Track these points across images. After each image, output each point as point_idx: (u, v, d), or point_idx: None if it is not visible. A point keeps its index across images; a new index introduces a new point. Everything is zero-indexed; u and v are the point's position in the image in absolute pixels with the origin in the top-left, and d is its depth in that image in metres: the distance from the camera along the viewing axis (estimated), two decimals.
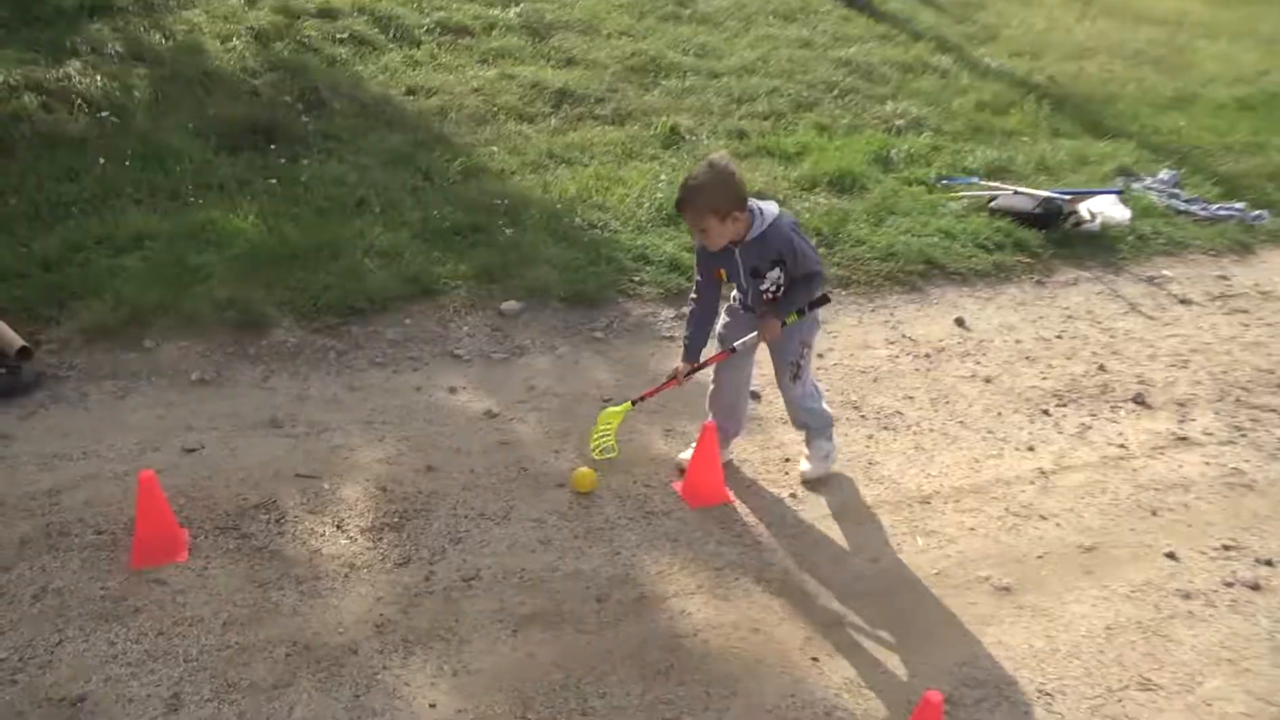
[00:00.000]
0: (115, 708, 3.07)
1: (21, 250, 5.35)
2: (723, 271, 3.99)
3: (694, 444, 4.14)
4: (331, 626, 3.39)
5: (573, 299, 5.52)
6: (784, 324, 3.98)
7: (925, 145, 8.15)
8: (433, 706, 3.12)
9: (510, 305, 5.41)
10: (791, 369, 4.16)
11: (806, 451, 4.38)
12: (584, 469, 4.15)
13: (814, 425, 4.33)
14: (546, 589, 3.60)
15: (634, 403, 4.27)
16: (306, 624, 3.40)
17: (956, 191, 7.40)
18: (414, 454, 4.28)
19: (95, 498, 3.93)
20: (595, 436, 4.21)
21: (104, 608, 3.43)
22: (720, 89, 8.68)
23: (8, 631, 3.31)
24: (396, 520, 3.89)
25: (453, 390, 4.77)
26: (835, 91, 9.02)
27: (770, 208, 3.91)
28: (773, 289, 3.97)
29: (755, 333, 4.03)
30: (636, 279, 5.72)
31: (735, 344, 4.08)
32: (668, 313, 5.52)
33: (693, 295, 4.13)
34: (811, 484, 4.31)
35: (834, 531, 4.05)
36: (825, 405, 4.37)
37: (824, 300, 4.08)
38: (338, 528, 3.84)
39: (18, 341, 4.67)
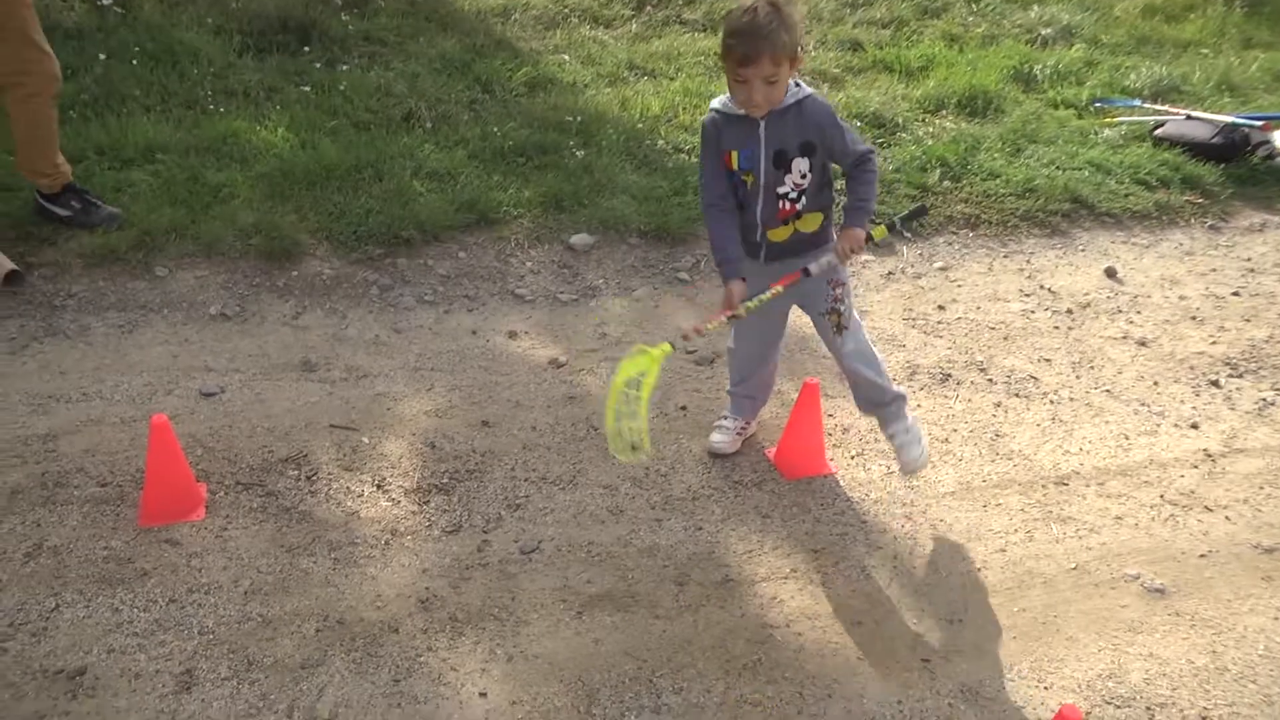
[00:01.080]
0: (119, 683, 3.17)
1: (8, 158, 5.39)
2: (735, 156, 3.67)
3: (724, 420, 4.18)
4: (369, 600, 3.48)
5: (653, 234, 5.57)
6: (871, 239, 3.75)
7: (1077, 60, 8.04)
8: (483, 695, 3.19)
9: (581, 239, 5.48)
10: (832, 320, 3.93)
11: (892, 444, 4.08)
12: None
13: (882, 401, 4.03)
14: (617, 566, 3.67)
15: (675, 346, 3.72)
16: (340, 596, 3.49)
17: (1114, 116, 7.28)
18: (468, 407, 4.37)
19: (97, 445, 4.05)
20: (614, 420, 3.53)
21: (107, 570, 3.54)
22: None
23: None
24: (446, 482, 3.98)
25: (513, 335, 4.85)
26: None
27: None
28: (793, 194, 3.68)
29: (831, 252, 3.74)
30: None
31: (811, 266, 3.75)
32: None
33: (706, 198, 3.81)
34: (915, 472, 4.10)
35: (953, 513, 4.05)
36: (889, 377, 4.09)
37: (923, 211, 4.02)
38: (378, 488, 3.94)
39: (6, 264, 4.81)
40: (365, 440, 4.16)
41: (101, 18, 6.74)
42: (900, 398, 4.03)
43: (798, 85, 3.58)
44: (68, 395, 4.31)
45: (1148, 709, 3.33)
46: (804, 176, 3.65)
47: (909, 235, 5.88)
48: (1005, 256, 5.86)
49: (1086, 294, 5.58)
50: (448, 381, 4.49)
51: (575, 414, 4.38)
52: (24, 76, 4.90)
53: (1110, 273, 5.79)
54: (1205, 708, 3.36)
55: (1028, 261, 5.84)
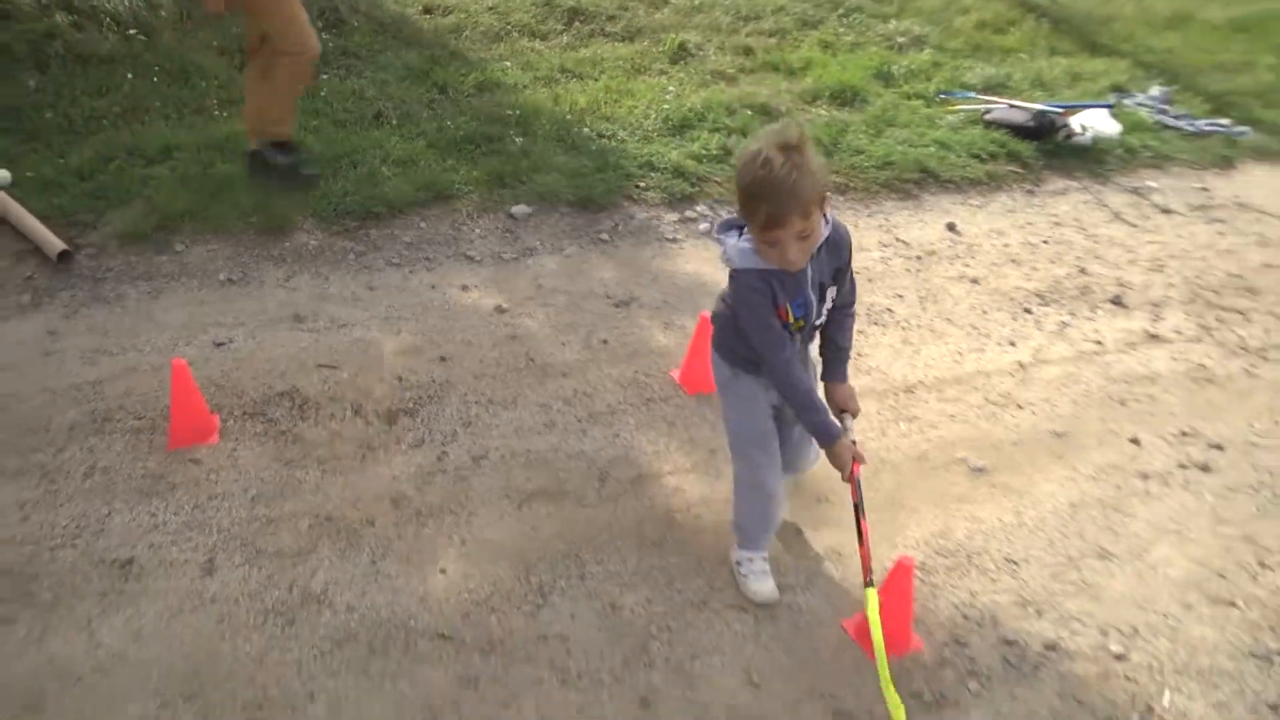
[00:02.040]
0: (158, 570, 3.22)
1: (59, 161, 5.40)
2: (788, 309, 2.79)
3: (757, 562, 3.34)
4: (350, 501, 3.51)
5: (580, 203, 5.54)
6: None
7: (926, 62, 8.06)
8: (443, 572, 3.24)
9: (520, 209, 5.43)
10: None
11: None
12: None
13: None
14: (550, 468, 3.70)
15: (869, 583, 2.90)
16: (327, 499, 3.52)
17: (954, 105, 7.33)
18: (428, 346, 4.36)
19: (134, 388, 4.03)
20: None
21: (145, 484, 3.56)
22: (728, 7, 8.57)
23: (65, 503, 3.46)
24: (411, 406, 3.98)
25: (465, 288, 4.82)
26: (840, 10, 8.89)
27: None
28: (821, 322, 2.95)
29: (845, 411, 3.05)
30: (642, 184, 5.73)
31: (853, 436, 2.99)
32: (671, 216, 5.54)
33: (785, 363, 2.83)
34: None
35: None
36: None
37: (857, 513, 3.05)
38: (356, 413, 3.94)
39: (59, 244, 4.77)
40: (345, 375, 4.14)
41: (129, 45, 6.59)
42: None
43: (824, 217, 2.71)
44: (109, 350, 4.27)
45: (968, 556, 3.46)
46: (832, 302, 2.92)
47: None
48: (868, 215, 5.91)
49: (932, 244, 5.64)
50: (412, 327, 4.48)
51: (516, 350, 4.37)
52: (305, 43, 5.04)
53: (951, 227, 5.86)
54: (1009, 552, 3.50)
55: (886, 219, 5.89)
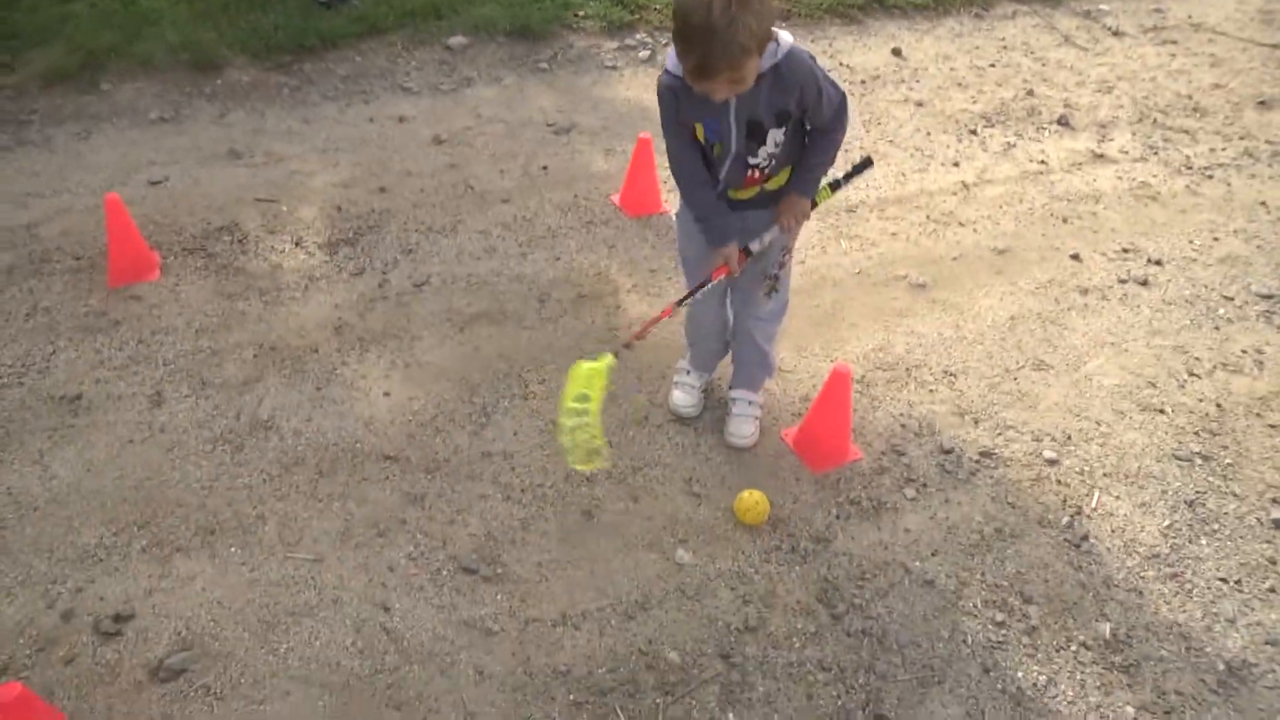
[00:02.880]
0: (107, 404, 3.18)
1: None
2: (699, 128, 2.58)
3: (685, 376, 3.27)
4: (294, 330, 3.45)
5: (518, 33, 5.34)
6: (815, 204, 2.77)
7: None
8: (387, 395, 3.22)
9: (457, 40, 5.23)
10: (767, 284, 2.90)
11: (729, 407, 3.18)
12: (749, 495, 2.90)
13: (755, 364, 3.14)
14: (491, 291, 3.65)
15: (619, 353, 2.79)
16: (271, 329, 3.46)
17: None
18: (367, 177, 4.24)
19: (70, 228, 3.91)
20: (569, 427, 2.57)
21: (88, 322, 3.49)
22: None
23: (8, 344, 3.39)
24: (351, 236, 3.90)
25: (402, 119, 4.67)
26: None
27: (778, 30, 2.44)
28: (765, 164, 2.62)
29: (775, 225, 2.76)
30: (580, 14, 5.50)
31: (753, 244, 2.75)
32: (610, 44, 5.36)
33: (678, 171, 2.70)
34: (735, 447, 3.15)
35: None
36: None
37: (867, 164, 2.88)
38: (296, 245, 3.85)
39: None
40: (284, 209, 4.03)
41: None
42: (769, 372, 3.19)
43: (781, 33, 2.43)
44: (41, 192, 4.12)
45: (907, 370, 3.46)
46: (778, 145, 2.59)
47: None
48: (812, 41, 5.73)
49: (877, 69, 5.50)
50: (350, 159, 4.34)
51: (455, 178, 4.26)
52: None
53: (896, 52, 5.70)
54: (947, 365, 3.50)
55: (830, 45, 5.72)
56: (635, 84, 5.02)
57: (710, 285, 2.77)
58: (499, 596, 2.65)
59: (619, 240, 3.95)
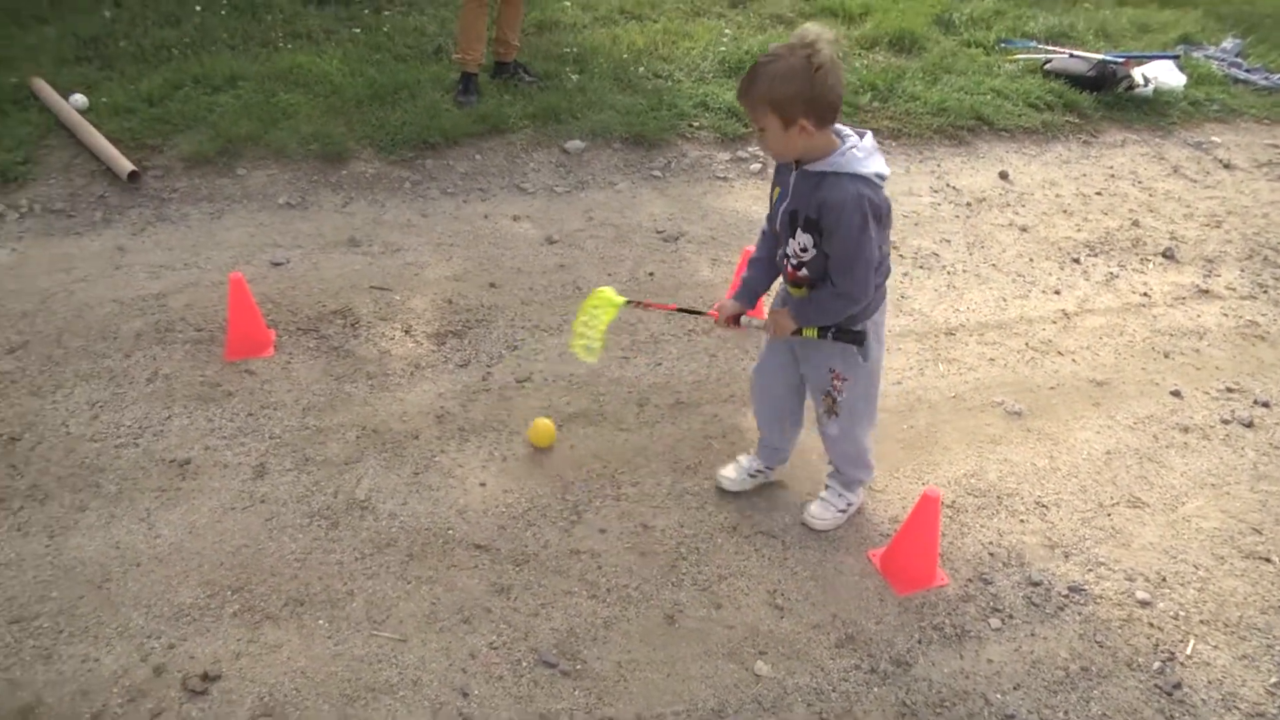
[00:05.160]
0: (214, 470, 3.34)
1: (131, 88, 5.54)
2: (774, 192, 2.81)
3: (742, 457, 3.41)
4: (397, 415, 3.59)
5: (633, 140, 5.52)
6: (799, 332, 2.86)
7: (987, 10, 7.87)
8: (483, 485, 3.31)
9: (575, 144, 5.43)
10: (825, 401, 3.03)
11: (823, 490, 3.30)
12: (543, 420, 3.48)
13: (845, 470, 3.23)
14: (591, 391, 3.75)
15: (629, 303, 3.13)
16: (375, 412, 3.60)
17: (1014, 54, 7.18)
18: (478, 272, 4.41)
19: (195, 301, 4.14)
20: (580, 325, 3.09)
21: (203, 391, 3.67)
22: None
23: (129, 406, 3.59)
24: (460, 328, 4.05)
25: (516, 219, 4.86)
26: None
27: (862, 152, 2.57)
28: (794, 261, 2.75)
29: (766, 318, 2.94)
30: (695, 124, 5.69)
31: (743, 317, 2.97)
32: (723, 155, 5.51)
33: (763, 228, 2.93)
34: (811, 527, 3.26)
35: None
36: (871, 459, 3.21)
37: (856, 337, 2.83)
38: (406, 333, 4.01)
39: (128, 165, 4.89)
40: (397, 298, 4.21)
41: None
42: (858, 483, 3.26)
43: (848, 150, 2.57)
44: (173, 265, 4.39)
45: (998, 498, 3.45)
46: (804, 250, 2.69)
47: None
48: (920, 161, 5.84)
49: (983, 191, 5.56)
50: (464, 254, 4.53)
51: (564, 279, 4.41)
52: None
53: (1003, 175, 5.76)
54: (1040, 496, 3.47)
55: (938, 165, 5.81)
56: (745, 195, 5.15)
57: (704, 316, 3.12)
58: (576, 692, 2.68)
59: (720, 350, 4.03)
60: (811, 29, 2.50)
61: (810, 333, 2.84)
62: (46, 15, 6.20)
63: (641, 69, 6.18)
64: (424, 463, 3.39)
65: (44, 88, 5.46)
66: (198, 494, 3.25)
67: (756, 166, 5.42)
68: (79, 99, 5.38)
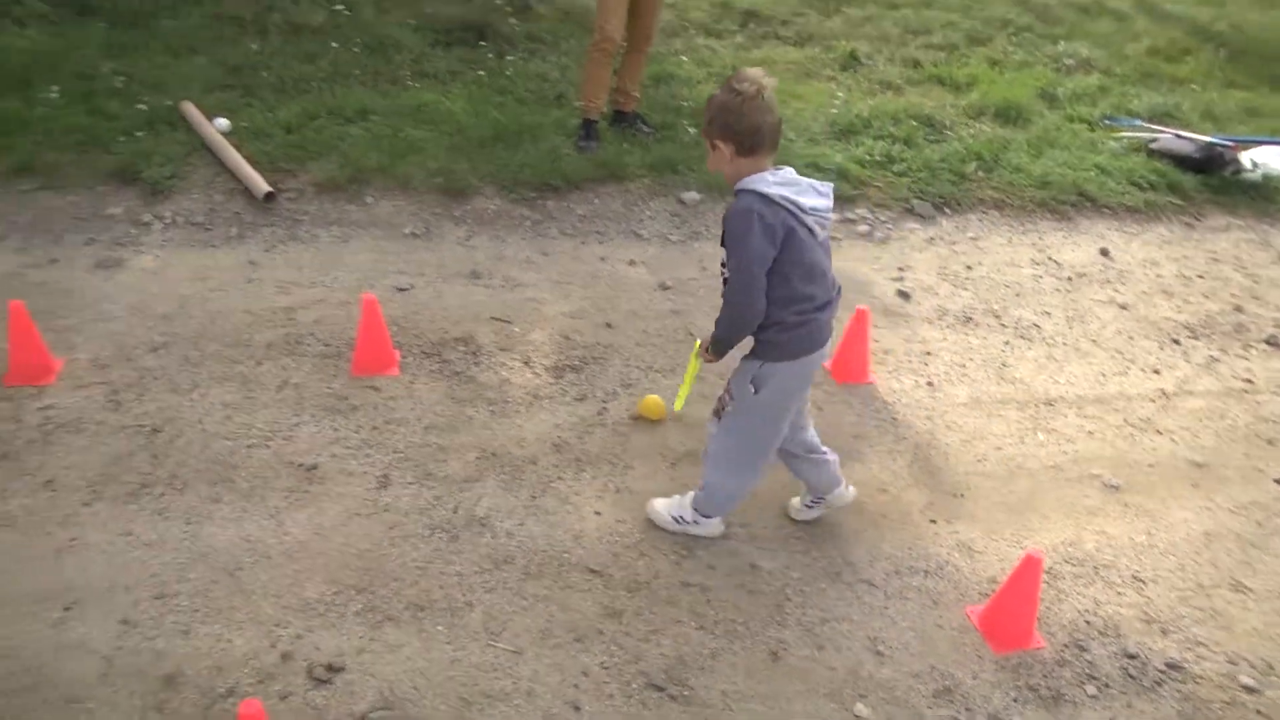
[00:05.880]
0: (339, 477, 3.54)
1: (270, 115, 5.88)
2: None
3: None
4: (515, 441, 3.77)
5: None
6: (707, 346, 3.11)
7: (1092, 86, 7.92)
8: (598, 514, 3.47)
9: (690, 195, 5.60)
10: (718, 403, 3.24)
11: (686, 494, 3.41)
12: (653, 396, 3.90)
13: (707, 486, 3.30)
14: (702, 434, 3.84)
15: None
16: (494, 436, 3.78)
17: (1118, 132, 7.23)
18: (595, 312, 4.59)
19: (323, 318, 4.38)
20: (686, 385, 3.31)
21: (330, 403, 3.90)
22: (898, 20, 8.61)
23: (260, 410, 3.83)
24: (577, 363, 4.23)
25: (632, 263, 5.05)
26: (1009, 29, 8.82)
27: (773, 177, 2.82)
28: (724, 277, 2.96)
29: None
30: None
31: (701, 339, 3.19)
32: (832, 215, 5.65)
33: None
34: (650, 518, 3.45)
35: (964, 419, 4.20)
36: (730, 502, 3.33)
37: (716, 346, 3.09)
38: (525, 364, 4.20)
39: (265, 187, 5.19)
40: (516, 330, 4.41)
41: (335, 19, 7.09)
42: (709, 515, 3.37)
43: (759, 175, 2.83)
44: (301, 283, 4.64)
45: (1094, 568, 3.51)
46: (723, 266, 2.94)
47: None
48: (1022, 233, 5.91)
49: (1084, 267, 5.62)
50: (581, 293, 4.71)
51: (676, 324, 4.57)
52: (649, 40, 5.78)
53: (1104, 252, 5.82)
54: (1137, 570, 3.53)
55: (1040, 238, 5.88)
56: (851, 255, 5.29)
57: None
58: (683, 717, 2.80)
59: (826, 404, 4.16)
60: (749, 70, 2.82)
61: (697, 346, 3.15)
62: (198, 46, 6.60)
63: None
64: (541, 488, 3.56)
65: (192, 111, 5.82)
66: (324, 498, 3.46)
67: (864, 228, 5.56)
68: (223, 122, 5.73)
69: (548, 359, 4.24)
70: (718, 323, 3.01)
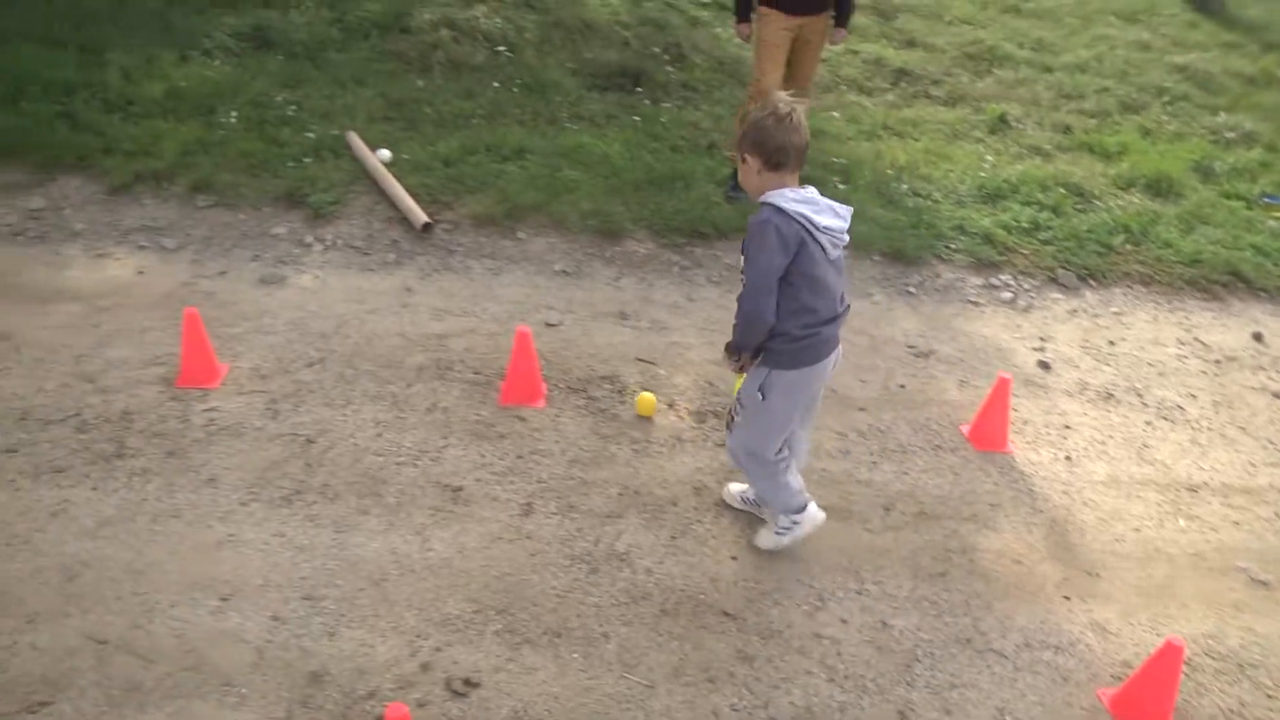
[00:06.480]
0: (483, 501, 3.72)
1: (430, 149, 6.19)
2: None
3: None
4: (657, 480, 3.89)
5: (892, 255, 5.72)
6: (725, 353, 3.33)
7: (1253, 161, 7.71)
8: (734, 559, 3.56)
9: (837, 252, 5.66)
10: (729, 415, 3.49)
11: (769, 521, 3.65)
12: (647, 394, 4.23)
13: (761, 493, 3.59)
14: (841, 489, 3.96)
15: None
16: (636, 474, 3.91)
17: (1278, 210, 7.05)
18: None
19: (473, 346, 4.60)
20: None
21: (477, 429, 4.09)
22: (1051, 83, 8.56)
23: (409, 430, 4.04)
24: (719, 410, 4.32)
25: None
26: (1165, 97, 8.67)
27: (793, 194, 3.05)
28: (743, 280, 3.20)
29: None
30: (951, 246, 5.86)
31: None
32: (975, 280, 5.65)
33: None
34: (765, 547, 3.61)
35: (1102, 497, 4.16)
36: (784, 482, 3.45)
37: (732, 349, 3.28)
38: (669, 406, 4.33)
39: (423, 217, 5.47)
40: (662, 372, 4.54)
41: (496, 59, 7.44)
42: (790, 510, 3.52)
43: (782, 191, 3.06)
44: (453, 311, 4.87)
45: (1239, 665, 3.44)
46: (742, 273, 3.19)
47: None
48: (1169, 311, 5.81)
49: (1234, 350, 5.50)
50: (724, 341, 4.79)
51: None
52: (804, 94, 5.78)
53: (1257, 336, 5.68)
54: None
55: (1187, 317, 5.77)
56: (995, 322, 5.29)
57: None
58: None
59: (963, 470, 4.17)
60: (781, 94, 3.10)
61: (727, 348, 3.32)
62: (365, 79, 7.00)
63: (903, 186, 6.41)
64: (681, 528, 3.67)
65: (356, 140, 6.17)
66: (468, 519, 3.63)
67: (1007, 295, 5.55)
68: (385, 153, 6.06)
69: (691, 403, 4.36)
70: (734, 328, 3.22)
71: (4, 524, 3.50)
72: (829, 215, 3.10)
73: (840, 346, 3.35)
